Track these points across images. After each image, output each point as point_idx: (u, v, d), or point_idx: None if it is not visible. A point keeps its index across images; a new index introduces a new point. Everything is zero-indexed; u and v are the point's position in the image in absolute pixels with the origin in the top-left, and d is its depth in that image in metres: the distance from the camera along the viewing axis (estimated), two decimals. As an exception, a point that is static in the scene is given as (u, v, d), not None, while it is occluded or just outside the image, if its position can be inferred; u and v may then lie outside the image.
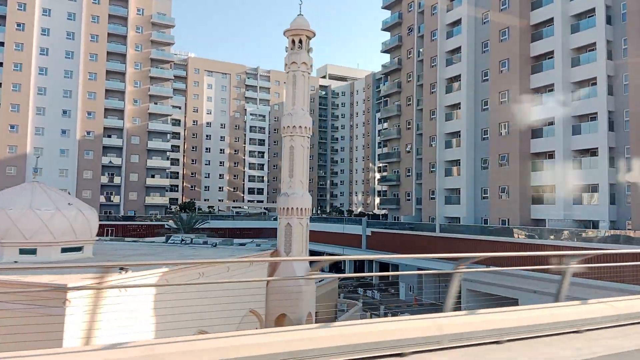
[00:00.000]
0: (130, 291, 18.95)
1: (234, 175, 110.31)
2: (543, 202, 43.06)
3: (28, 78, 68.82)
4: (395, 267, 55.81)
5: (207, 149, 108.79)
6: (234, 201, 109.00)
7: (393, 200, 62.33)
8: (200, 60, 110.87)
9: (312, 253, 73.07)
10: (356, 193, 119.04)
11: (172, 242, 34.42)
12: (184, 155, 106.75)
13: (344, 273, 68.03)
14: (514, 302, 38.81)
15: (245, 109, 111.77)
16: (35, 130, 69.81)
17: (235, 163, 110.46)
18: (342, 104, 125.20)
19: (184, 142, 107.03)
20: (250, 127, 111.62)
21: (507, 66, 45.26)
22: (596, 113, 39.37)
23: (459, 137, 50.30)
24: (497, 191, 45.66)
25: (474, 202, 48.81)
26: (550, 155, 42.74)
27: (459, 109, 50.45)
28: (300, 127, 30.33)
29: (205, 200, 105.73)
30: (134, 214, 76.08)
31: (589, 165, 40.19)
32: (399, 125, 62.40)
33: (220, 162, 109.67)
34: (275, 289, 29.22)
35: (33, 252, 22.13)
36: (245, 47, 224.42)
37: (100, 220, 71.06)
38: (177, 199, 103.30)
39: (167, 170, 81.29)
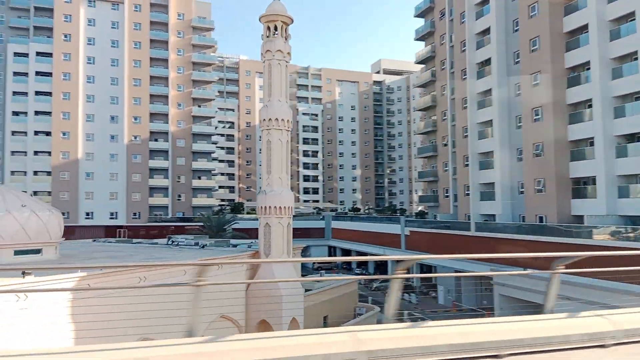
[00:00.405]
0: (49, 296, 18.09)
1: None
2: (585, 195, 37.84)
3: (77, 86, 72.16)
4: (435, 269, 52.17)
5: (260, 150, 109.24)
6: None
7: (431, 197, 58.41)
8: (250, 62, 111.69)
9: (360, 253, 70.83)
10: (416, 191, 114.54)
11: (168, 243, 33.72)
12: (238, 157, 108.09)
13: (387, 274, 65.02)
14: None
15: (297, 109, 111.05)
16: (86, 137, 73.04)
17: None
18: (397, 99, 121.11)
19: (238, 144, 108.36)
20: (303, 126, 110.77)
21: (538, 44, 40.32)
22: (640, 91, 33.85)
23: (492, 126, 45.78)
24: (532, 185, 40.85)
25: (511, 198, 44.14)
26: (591, 142, 37.46)
27: (491, 95, 45.93)
28: (277, 119, 28.32)
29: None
30: (183, 214, 77.61)
31: (634, 151, 34.66)
32: (434, 117, 58.35)
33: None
34: (255, 293, 27.49)
35: (-18, 255, 21.96)
36: (295, 47, 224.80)
37: (149, 222, 73.08)
38: (233, 200, 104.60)
39: (212, 172, 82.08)
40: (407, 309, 47.80)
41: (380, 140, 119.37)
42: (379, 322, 32.72)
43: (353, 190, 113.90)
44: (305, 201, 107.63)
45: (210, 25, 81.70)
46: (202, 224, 57.45)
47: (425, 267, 56.77)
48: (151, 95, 76.91)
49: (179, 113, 78.88)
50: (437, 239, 50.57)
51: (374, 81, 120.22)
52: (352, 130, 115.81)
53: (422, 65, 64.42)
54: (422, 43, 61.97)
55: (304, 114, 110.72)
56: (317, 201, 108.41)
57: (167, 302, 18.30)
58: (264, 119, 28.63)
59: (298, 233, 78.58)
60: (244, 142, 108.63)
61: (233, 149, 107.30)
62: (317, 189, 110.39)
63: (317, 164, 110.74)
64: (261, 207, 28.38)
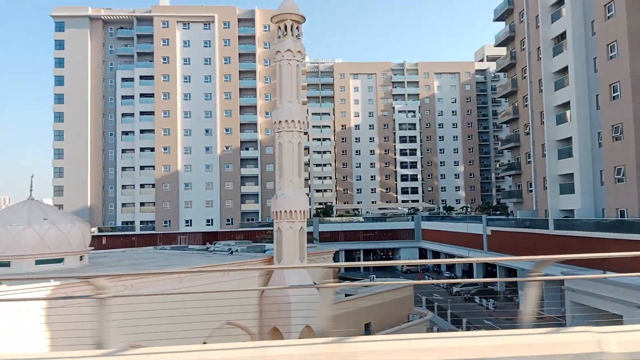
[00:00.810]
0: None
1: (386, 176, 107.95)
2: (675, 183, 31.46)
3: (175, 104, 78.05)
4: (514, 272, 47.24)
5: (357, 151, 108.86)
6: (387, 202, 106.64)
7: (514, 193, 53.02)
8: (345, 65, 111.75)
9: (449, 255, 66.71)
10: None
11: (205, 249, 34.80)
12: (334, 160, 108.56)
13: (473, 277, 60.47)
14: (617, 319, 29.46)
15: (394, 107, 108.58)
16: (184, 150, 78.66)
17: (386, 163, 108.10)
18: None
19: (334, 147, 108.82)
20: (400, 124, 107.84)
21: (614, 9, 34.44)
22: None
23: (570, 108, 40.18)
24: (612, 173, 34.98)
25: (593, 190, 38.30)
26: (681, 118, 31.02)
27: (568, 73, 40.36)
28: (286, 121, 27.64)
29: (358, 202, 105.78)
30: (271, 219, 79.85)
31: None
32: (516, 104, 52.91)
33: (371, 164, 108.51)
34: (268, 300, 27.06)
35: (7, 264, 24.40)
36: (391, 43, 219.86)
37: (240, 227, 76.04)
38: (328, 203, 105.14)
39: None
40: (480, 315, 43.76)
41: (485, 132, 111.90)
42: (429, 330, 30.04)
43: (456, 188, 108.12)
44: (403, 201, 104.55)
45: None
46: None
47: (510, 271, 51.77)
48: (241, 107, 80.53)
49: (267, 121, 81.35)
50: (517, 239, 45.75)
51: (477, 70, 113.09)
52: (454, 124, 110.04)
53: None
54: (503, 23, 56.65)
55: (400, 111, 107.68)
56: (417, 201, 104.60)
57: (151, 311, 18.65)
58: (275, 122, 28.15)
59: (388, 235, 77.24)
60: (339, 145, 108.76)
61: (329, 152, 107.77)
62: (416, 188, 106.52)
63: (415, 163, 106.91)
64: (274, 211, 27.87)
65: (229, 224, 78.21)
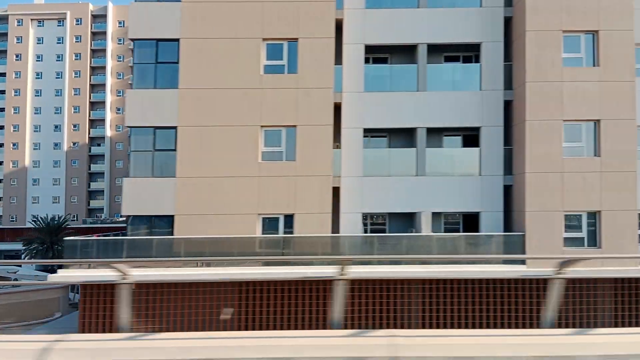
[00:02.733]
0: None
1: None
2: None
3: (25, 100, 78.84)
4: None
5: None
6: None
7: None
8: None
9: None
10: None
11: None
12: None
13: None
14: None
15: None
16: (33, 146, 79.40)
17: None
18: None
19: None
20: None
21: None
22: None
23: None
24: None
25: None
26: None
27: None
28: None
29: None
30: (120, 216, 79.74)
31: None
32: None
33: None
34: None
35: None
36: None
37: (83, 224, 75.96)
38: None
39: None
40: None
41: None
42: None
43: None
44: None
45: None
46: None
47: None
48: (92, 103, 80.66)
49: (118, 117, 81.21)
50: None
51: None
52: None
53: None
54: None
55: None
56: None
57: None
58: None
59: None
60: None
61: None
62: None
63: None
64: None
65: (75, 220, 78.42)
